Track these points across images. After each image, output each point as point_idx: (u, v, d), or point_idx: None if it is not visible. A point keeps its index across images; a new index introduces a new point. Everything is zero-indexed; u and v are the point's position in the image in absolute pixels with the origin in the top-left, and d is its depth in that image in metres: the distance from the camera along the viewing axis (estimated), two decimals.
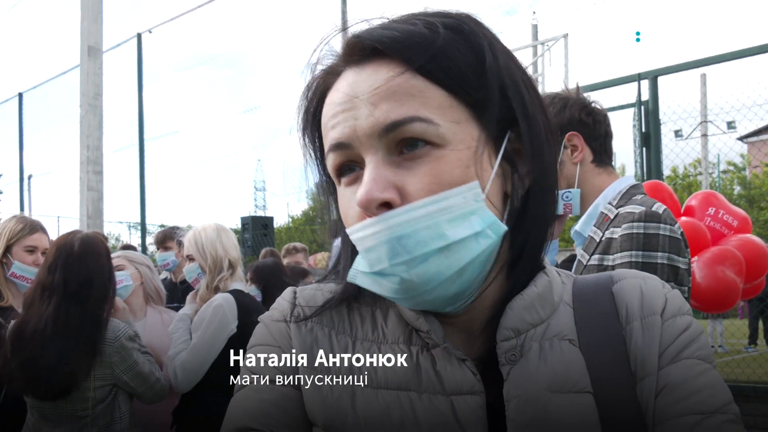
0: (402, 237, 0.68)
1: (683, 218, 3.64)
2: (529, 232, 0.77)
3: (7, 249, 3.03)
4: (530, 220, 0.77)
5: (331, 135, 0.75)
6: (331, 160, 0.76)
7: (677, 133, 6.68)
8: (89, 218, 7.86)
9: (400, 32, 0.72)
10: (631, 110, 5.67)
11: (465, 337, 0.80)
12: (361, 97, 0.71)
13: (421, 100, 0.70)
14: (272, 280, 3.87)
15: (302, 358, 0.80)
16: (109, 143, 15.43)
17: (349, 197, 0.75)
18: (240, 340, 2.77)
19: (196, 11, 10.17)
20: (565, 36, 12.09)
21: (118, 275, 3.09)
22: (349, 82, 0.74)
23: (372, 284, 0.73)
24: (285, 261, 5.67)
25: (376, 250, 0.69)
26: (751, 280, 3.51)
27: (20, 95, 13.15)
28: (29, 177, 16.50)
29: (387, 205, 0.69)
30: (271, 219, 10.24)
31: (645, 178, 5.62)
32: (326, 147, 0.77)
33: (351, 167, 0.75)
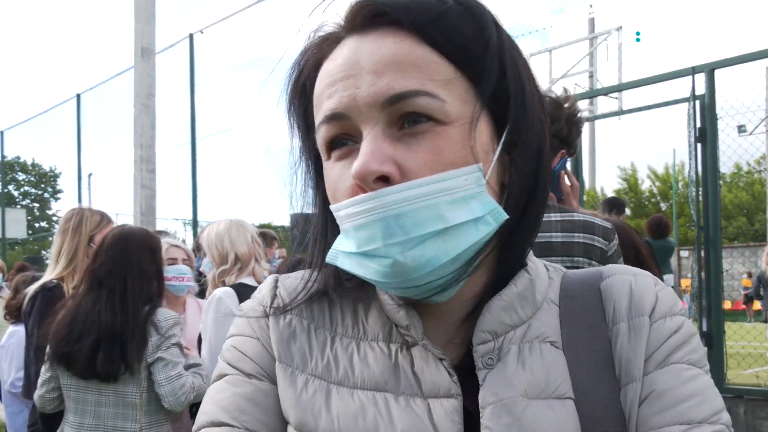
0: (399, 216, 0.64)
1: None
2: (519, 226, 0.73)
3: (90, 239, 3.31)
4: (524, 214, 0.73)
5: (325, 105, 0.70)
6: (323, 132, 0.71)
7: (740, 129, 6.43)
8: (142, 215, 8.04)
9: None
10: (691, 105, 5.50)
11: (444, 333, 0.76)
12: (364, 65, 0.67)
13: (427, 73, 0.66)
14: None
15: (279, 352, 0.77)
16: (166, 141, 15.77)
17: (340, 171, 0.70)
18: None
19: (247, 11, 10.28)
20: (619, 29, 11.82)
21: (180, 271, 3.25)
22: (350, 49, 0.69)
23: (356, 266, 0.69)
24: None
25: (369, 228, 0.65)
26: None
27: (78, 96, 13.57)
28: (89, 175, 16.97)
29: (384, 181, 0.65)
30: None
31: (700, 174, 5.44)
32: (318, 119, 0.72)
33: (344, 141, 0.71)
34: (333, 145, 0.71)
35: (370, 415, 0.70)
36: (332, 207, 0.71)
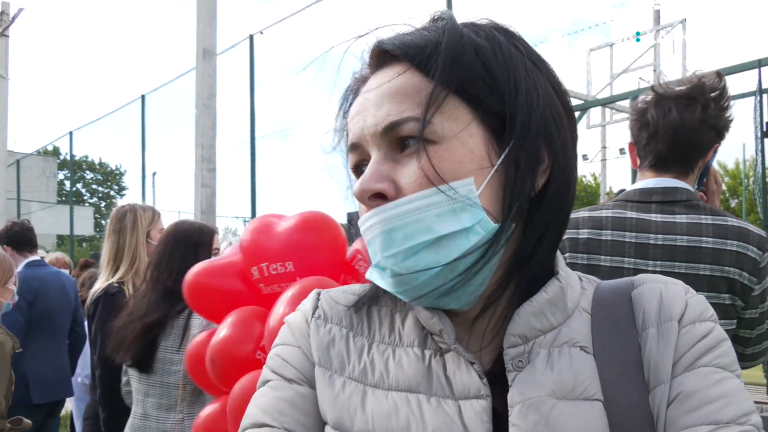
0: (392, 230, 0.71)
1: None
2: (537, 232, 0.76)
3: (147, 235, 3.40)
4: (540, 220, 0.76)
5: (349, 137, 0.80)
6: (349, 160, 0.81)
7: None
8: (202, 213, 8.23)
9: (413, 36, 0.77)
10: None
11: (477, 339, 0.80)
12: (370, 99, 0.76)
13: (418, 100, 0.73)
14: None
15: (319, 357, 0.83)
16: (226, 140, 16.12)
17: None
18: None
19: (307, 12, 10.37)
20: (683, 21, 11.50)
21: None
22: (366, 87, 0.79)
23: (378, 278, 0.76)
24: None
25: (373, 243, 0.74)
26: None
27: (143, 97, 13.98)
28: (153, 174, 17.41)
29: (382, 198, 0.73)
30: None
31: None
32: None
33: (364, 167, 0.78)
34: (358, 170, 0.80)
35: (402, 415, 0.74)
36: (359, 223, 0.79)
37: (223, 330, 2.06)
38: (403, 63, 0.75)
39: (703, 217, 1.82)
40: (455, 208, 0.70)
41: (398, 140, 0.74)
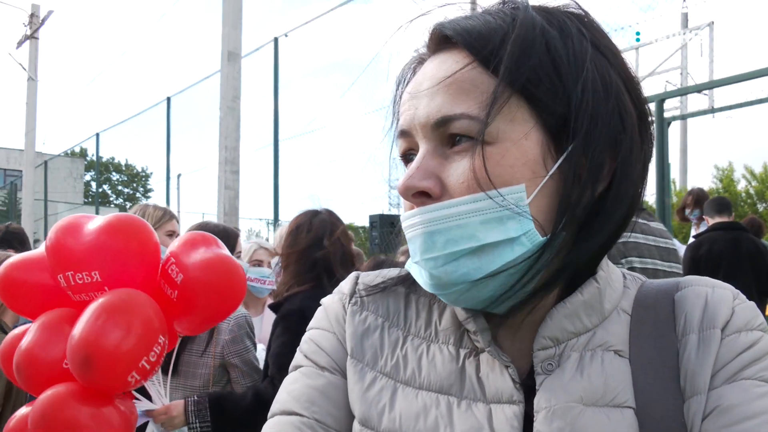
0: (434, 233, 0.68)
1: None
2: (592, 241, 0.71)
3: None
4: (596, 228, 0.71)
5: (399, 122, 0.76)
6: (398, 146, 0.78)
7: None
8: (225, 215, 8.26)
9: (477, 22, 0.71)
10: None
11: (515, 342, 0.76)
12: (424, 87, 0.72)
13: (475, 96, 0.68)
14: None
15: (352, 347, 0.80)
16: (250, 142, 16.22)
17: None
18: None
19: (331, 15, 10.40)
20: (711, 24, 11.32)
21: (263, 273, 3.31)
22: (422, 71, 0.75)
23: (417, 275, 0.74)
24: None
25: (414, 241, 0.71)
26: None
27: (168, 99, 14.09)
28: (178, 176, 17.54)
29: (426, 196, 0.69)
30: (398, 217, 10.29)
31: None
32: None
33: (412, 156, 0.75)
34: (406, 158, 0.77)
35: (431, 417, 0.72)
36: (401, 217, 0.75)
37: (31, 334, 1.95)
38: (463, 52, 0.70)
39: (656, 222, 2.07)
40: (502, 216, 0.66)
41: (449, 136, 0.70)
